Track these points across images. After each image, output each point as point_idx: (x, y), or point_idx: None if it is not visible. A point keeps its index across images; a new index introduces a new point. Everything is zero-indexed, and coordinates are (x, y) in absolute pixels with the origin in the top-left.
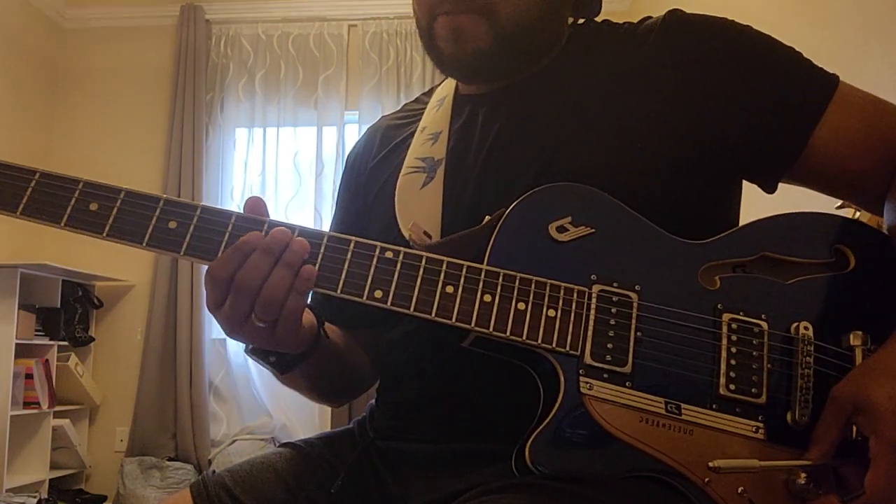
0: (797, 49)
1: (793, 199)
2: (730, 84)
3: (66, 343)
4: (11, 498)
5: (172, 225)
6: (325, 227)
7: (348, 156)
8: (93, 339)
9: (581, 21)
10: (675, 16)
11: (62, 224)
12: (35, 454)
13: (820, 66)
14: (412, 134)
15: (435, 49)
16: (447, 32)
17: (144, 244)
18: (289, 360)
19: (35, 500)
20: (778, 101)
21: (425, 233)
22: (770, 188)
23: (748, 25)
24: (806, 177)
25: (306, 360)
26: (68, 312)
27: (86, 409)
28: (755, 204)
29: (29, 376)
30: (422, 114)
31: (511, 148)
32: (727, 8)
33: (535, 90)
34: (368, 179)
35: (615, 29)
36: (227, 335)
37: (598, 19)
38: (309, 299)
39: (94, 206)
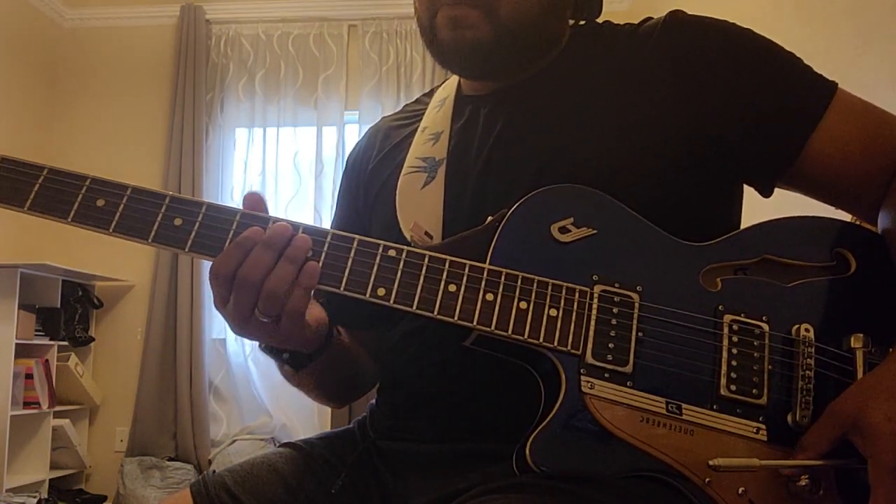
0: (794, 51)
1: (794, 202)
2: (729, 86)
3: (66, 343)
4: (11, 498)
5: (178, 222)
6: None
7: (348, 157)
8: (93, 339)
9: (582, 22)
10: (676, 17)
11: (69, 219)
12: (35, 454)
13: (819, 72)
14: (412, 134)
15: (436, 42)
16: (447, 20)
17: (150, 240)
18: (302, 357)
19: (35, 500)
20: (776, 105)
21: (426, 233)
22: (766, 192)
23: (749, 28)
24: (801, 183)
25: (317, 359)
26: (68, 312)
27: (86, 409)
28: (757, 207)
29: (29, 376)
30: (422, 114)
31: (512, 148)
32: (726, 8)
33: (537, 91)
34: (369, 180)
35: (616, 30)
36: (235, 333)
37: (599, 20)
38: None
39: (100, 203)
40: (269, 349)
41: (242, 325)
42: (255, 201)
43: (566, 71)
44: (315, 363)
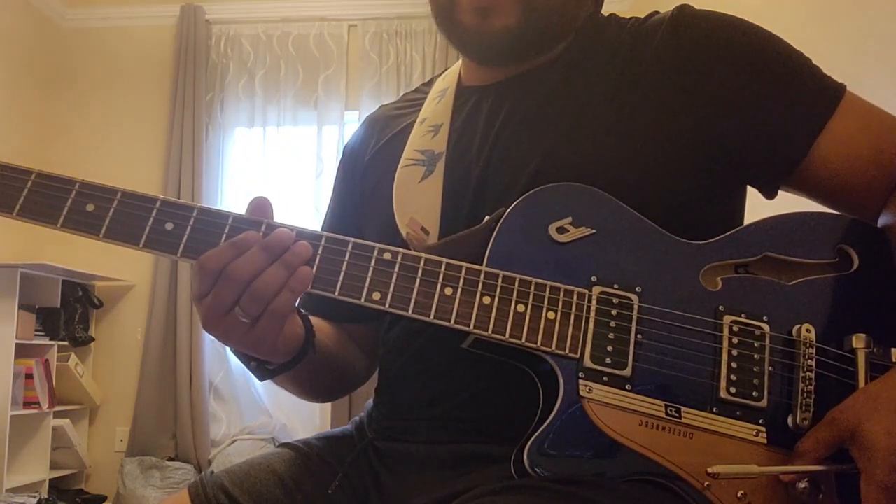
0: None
1: (797, 198)
2: (735, 86)
3: (66, 343)
4: (11, 498)
5: (169, 226)
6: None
7: (345, 146)
8: (93, 339)
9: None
10: (683, 12)
11: (58, 225)
12: (35, 454)
13: (828, 74)
14: (411, 125)
15: (455, 24)
16: (473, 4)
17: (141, 246)
18: (270, 368)
19: (35, 500)
20: (783, 107)
21: (423, 229)
22: (770, 194)
23: (758, 26)
24: (805, 186)
25: (287, 371)
26: (68, 312)
27: (86, 409)
28: (759, 204)
29: (29, 376)
30: (421, 104)
31: (514, 144)
32: (725, 4)
33: (541, 84)
34: (366, 170)
35: (622, 24)
36: (204, 328)
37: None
38: (297, 302)
39: (90, 207)
40: (238, 353)
41: (217, 322)
42: (261, 206)
43: (570, 64)
44: (281, 377)
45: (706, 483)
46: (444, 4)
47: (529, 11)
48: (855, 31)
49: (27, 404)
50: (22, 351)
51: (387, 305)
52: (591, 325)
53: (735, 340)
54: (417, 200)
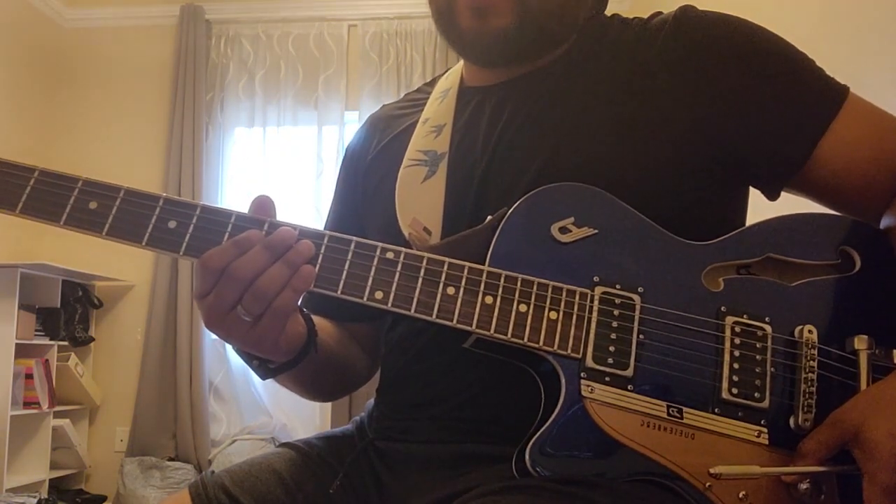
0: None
1: (799, 199)
2: (738, 87)
3: (66, 343)
4: (11, 498)
5: (172, 224)
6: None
7: (347, 146)
8: (93, 339)
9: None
10: (686, 13)
11: (61, 223)
12: (35, 454)
13: (831, 75)
14: (414, 125)
15: (454, 27)
16: (470, 8)
17: (144, 244)
18: (272, 367)
19: (35, 500)
20: (786, 109)
21: (425, 229)
22: (772, 195)
23: (761, 27)
24: (808, 187)
25: (288, 370)
26: (68, 312)
27: (86, 409)
28: (760, 204)
29: (29, 376)
30: (424, 104)
31: (517, 144)
32: (726, 4)
33: (544, 84)
34: (368, 171)
35: (626, 24)
36: (206, 326)
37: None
38: (300, 301)
39: (93, 205)
40: (240, 352)
41: (219, 320)
42: (263, 205)
43: (574, 64)
44: (283, 376)
45: (708, 483)
46: (444, 11)
47: (525, 13)
48: (855, 31)
49: (27, 404)
50: (22, 351)
51: (389, 305)
52: (593, 326)
53: (737, 341)
54: (420, 201)
